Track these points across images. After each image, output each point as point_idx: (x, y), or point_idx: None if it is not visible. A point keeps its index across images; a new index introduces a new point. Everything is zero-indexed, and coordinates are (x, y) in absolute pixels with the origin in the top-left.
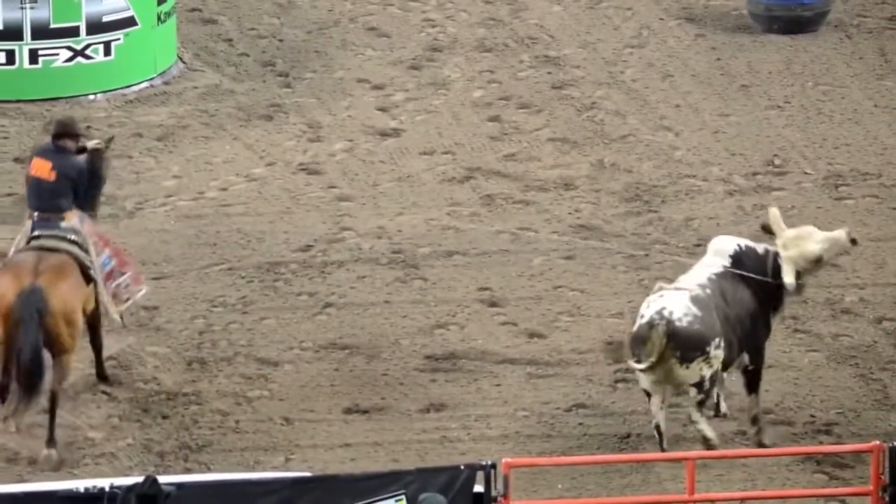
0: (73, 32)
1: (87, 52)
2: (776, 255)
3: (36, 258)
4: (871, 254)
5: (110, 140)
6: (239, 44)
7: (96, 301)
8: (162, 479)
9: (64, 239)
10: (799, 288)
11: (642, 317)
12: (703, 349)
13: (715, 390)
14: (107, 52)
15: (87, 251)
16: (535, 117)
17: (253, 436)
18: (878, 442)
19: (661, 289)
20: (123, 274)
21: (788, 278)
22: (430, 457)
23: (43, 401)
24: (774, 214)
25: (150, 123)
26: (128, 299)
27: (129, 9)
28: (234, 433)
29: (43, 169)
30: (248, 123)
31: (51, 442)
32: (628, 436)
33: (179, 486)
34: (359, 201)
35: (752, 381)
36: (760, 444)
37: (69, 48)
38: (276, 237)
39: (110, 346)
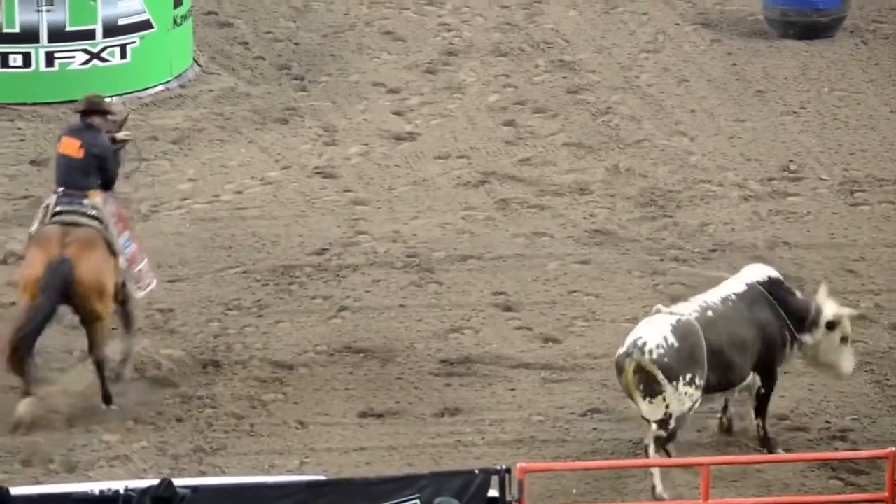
0: (89, 35)
1: (104, 54)
2: (819, 310)
3: (62, 231)
4: (887, 260)
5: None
6: (255, 47)
7: (121, 274)
8: (176, 482)
9: (85, 214)
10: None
11: (622, 345)
12: (669, 383)
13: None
14: (123, 55)
15: (107, 227)
16: (551, 122)
17: (268, 439)
18: (893, 448)
19: (658, 311)
20: (143, 260)
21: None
22: (445, 461)
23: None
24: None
25: (165, 126)
26: (148, 285)
27: (145, 12)
28: (249, 436)
29: (71, 146)
30: (263, 127)
31: (107, 399)
32: (643, 441)
33: (194, 489)
34: (374, 205)
35: (761, 405)
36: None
37: (85, 51)
38: (291, 240)
39: (125, 349)
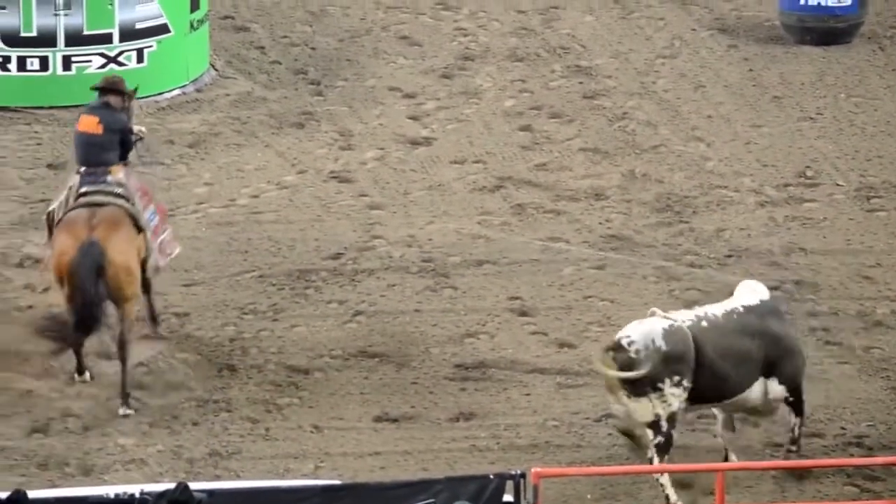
0: (106, 39)
1: (120, 58)
2: None
3: (89, 213)
4: None
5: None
6: (271, 51)
7: (147, 250)
8: (192, 485)
9: (111, 193)
10: None
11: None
12: (653, 385)
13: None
14: (140, 59)
15: (133, 203)
16: (567, 127)
17: (283, 443)
18: None
19: (652, 314)
20: (166, 230)
21: None
22: (460, 465)
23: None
24: None
25: (182, 130)
26: (170, 254)
27: (162, 16)
28: (264, 440)
29: (90, 124)
30: (279, 131)
31: (125, 399)
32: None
33: (210, 493)
34: (389, 210)
35: (796, 407)
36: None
37: (102, 55)
38: (307, 245)
39: (141, 352)
